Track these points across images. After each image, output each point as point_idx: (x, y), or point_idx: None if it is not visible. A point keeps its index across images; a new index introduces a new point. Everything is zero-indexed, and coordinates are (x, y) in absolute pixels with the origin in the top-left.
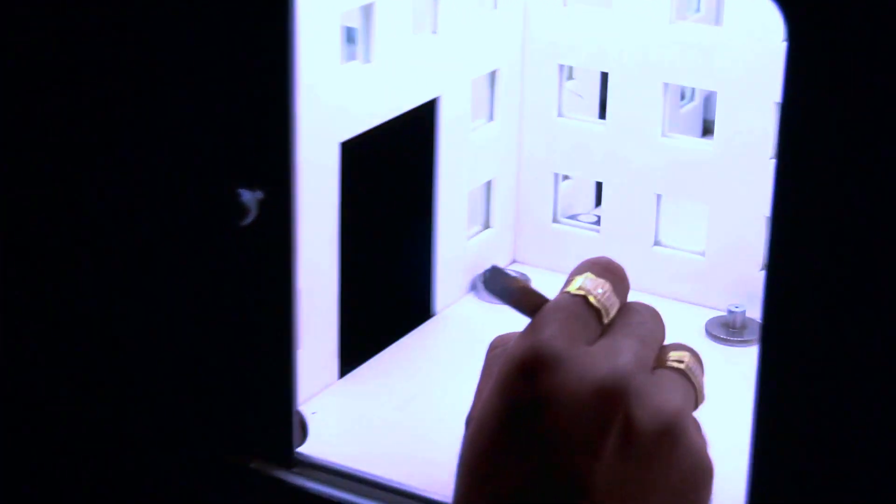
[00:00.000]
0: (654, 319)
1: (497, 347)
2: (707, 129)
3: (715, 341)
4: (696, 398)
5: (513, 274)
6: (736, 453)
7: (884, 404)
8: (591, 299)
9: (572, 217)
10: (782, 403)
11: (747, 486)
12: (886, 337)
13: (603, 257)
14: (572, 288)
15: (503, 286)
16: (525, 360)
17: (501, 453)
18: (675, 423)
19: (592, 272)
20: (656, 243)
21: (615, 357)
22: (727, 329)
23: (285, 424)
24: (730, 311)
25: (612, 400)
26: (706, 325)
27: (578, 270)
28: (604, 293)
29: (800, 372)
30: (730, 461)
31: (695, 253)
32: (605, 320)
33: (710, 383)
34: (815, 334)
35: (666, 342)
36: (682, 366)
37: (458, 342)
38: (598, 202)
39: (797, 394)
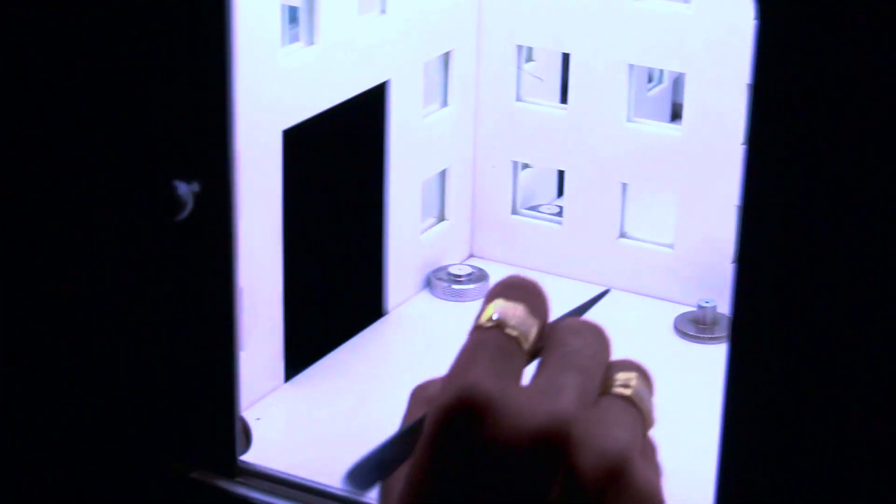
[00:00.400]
0: (595, 338)
1: (419, 394)
2: (677, 114)
3: (684, 338)
4: (645, 425)
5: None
6: (707, 454)
7: (855, 402)
8: (508, 329)
9: (533, 208)
10: (751, 403)
11: (716, 487)
12: (859, 332)
13: (513, 276)
14: (484, 320)
15: (372, 469)
16: (454, 409)
17: None
18: (623, 465)
19: (503, 297)
20: (622, 235)
21: (553, 397)
22: (697, 325)
23: (228, 431)
24: (700, 307)
25: (552, 448)
26: (675, 321)
27: (489, 297)
28: (519, 318)
29: (770, 370)
30: (701, 462)
31: (663, 245)
32: (526, 346)
33: (680, 382)
34: (787, 330)
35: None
36: (628, 391)
37: (412, 342)
38: (561, 192)
39: (767, 392)
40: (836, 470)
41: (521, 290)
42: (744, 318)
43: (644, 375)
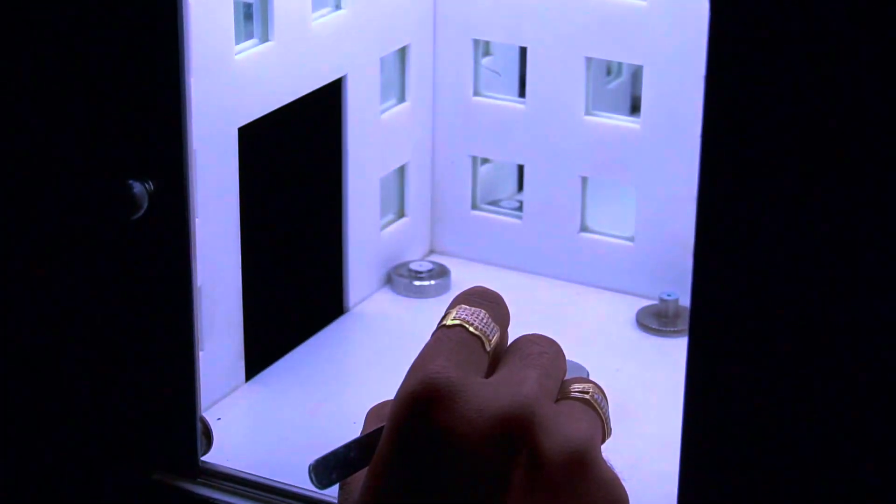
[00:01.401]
0: (553, 350)
1: (376, 414)
2: (636, 107)
3: (646, 332)
4: (604, 430)
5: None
6: (670, 448)
7: (816, 393)
8: (470, 328)
9: (493, 203)
10: (713, 395)
11: (679, 480)
12: (819, 323)
13: (476, 287)
14: (448, 320)
15: (335, 466)
16: (418, 395)
17: (404, 495)
18: (584, 450)
19: (466, 303)
20: (583, 229)
21: (517, 387)
22: (659, 319)
23: (188, 432)
24: (661, 300)
25: (516, 430)
26: (637, 314)
27: (452, 304)
28: (482, 320)
29: (730, 362)
30: (664, 455)
31: (623, 238)
32: (488, 348)
33: (643, 376)
34: (746, 322)
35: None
36: (587, 396)
37: (374, 339)
38: (521, 187)
39: (728, 385)
40: (798, 461)
41: (484, 299)
42: (703, 310)
43: (599, 389)
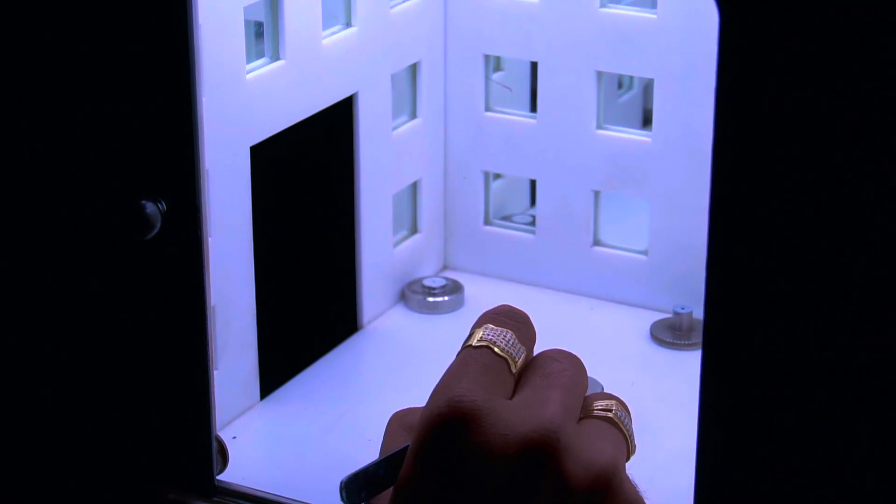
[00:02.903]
0: (574, 366)
1: (398, 421)
2: (648, 120)
3: (661, 345)
4: (628, 447)
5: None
6: (686, 461)
7: (830, 406)
8: (496, 349)
9: (506, 218)
10: (727, 409)
11: (694, 493)
12: (832, 336)
13: (502, 306)
14: (474, 341)
15: (366, 485)
16: (443, 416)
17: None
18: (609, 474)
19: (492, 323)
20: (596, 243)
21: (540, 409)
22: (673, 332)
23: (204, 451)
24: (676, 313)
25: (541, 454)
26: (651, 328)
27: (478, 323)
28: (508, 341)
29: (744, 375)
30: (680, 469)
31: (637, 252)
32: (514, 369)
33: (658, 390)
34: (760, 334)
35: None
36: (609, 414)
37: (388, 356)
38: (533, 201)
39: (742, 398)
40: (813, 474)
41: (511, 318)
42: (717, 323)
43: (622, 404)
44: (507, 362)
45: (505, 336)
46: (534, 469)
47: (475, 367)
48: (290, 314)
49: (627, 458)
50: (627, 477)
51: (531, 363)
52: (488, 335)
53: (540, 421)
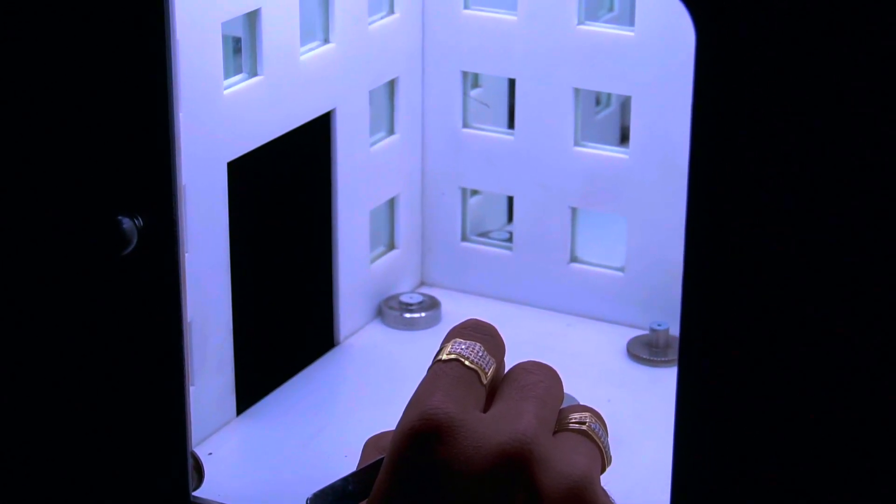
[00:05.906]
0: (550, 378)
1: (374, 444)
2: (625, 137)
3: (637, 362)
4: (603, 460)
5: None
6: (662, 478)
7: (806, 423)
8: (466, 362)
9: (483, 235)
10: (703, 426)
11: None
12: (808, 353)
13: (470, 320)
14: (443, 355)
15: (334, 500)
16: (417, 429)
17: None
18: (583, 486)
19: (461, 337)
20: (573, 259)
21: (514, 421)
22: (650, 349)
23: (179, 467)
24: (652, 330)
25: (515, 466)
26: (628, 344)
27: (447, 338)
28: (477, 353)
29: (720, 392)
30: (656, 486)
31: (614, 269)
32: (485, 380)
33: (634, 406)
34: (737, 352)
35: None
36: (584, 427)
37: (365, 372)
38: (510, 218)
39: (718, 415)
40: (789, 490)
41: (478, 332)
42: (693, 340)
43: (597, 416)
44: (478, 374)
45: (474, 348)
46: (507, 481)
47: (446, 381)
48: (267, 330)
49: (603, 471)
50: (602, 489)
51: (506, 375)
52: (457, 349)
53: (513, 433)
